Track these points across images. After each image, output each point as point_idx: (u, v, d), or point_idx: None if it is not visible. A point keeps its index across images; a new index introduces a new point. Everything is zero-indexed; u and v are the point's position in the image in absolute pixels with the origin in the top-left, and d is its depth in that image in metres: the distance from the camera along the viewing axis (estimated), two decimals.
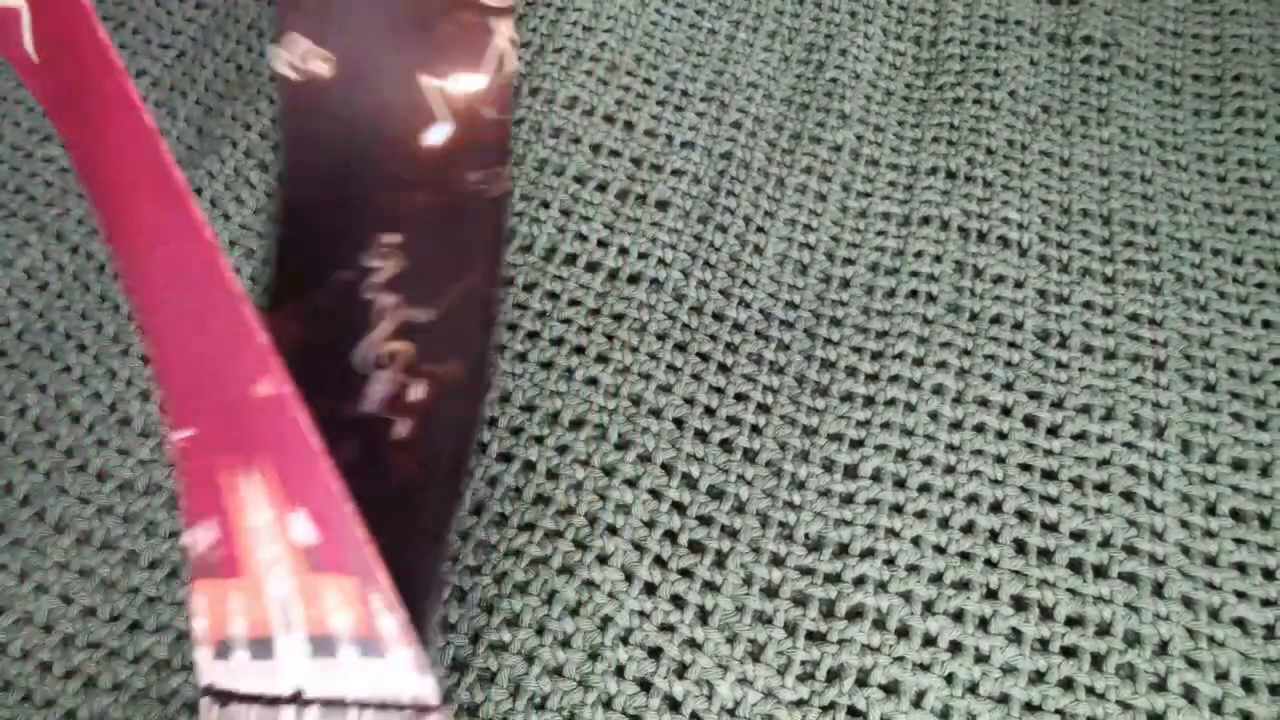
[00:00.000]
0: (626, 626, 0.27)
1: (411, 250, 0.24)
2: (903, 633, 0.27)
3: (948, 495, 0.30)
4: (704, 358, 0.32)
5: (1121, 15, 0.42)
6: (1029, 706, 0.26)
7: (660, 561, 0.28)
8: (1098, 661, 0.27)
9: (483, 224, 0.25)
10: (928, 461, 0.30)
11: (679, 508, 0.29)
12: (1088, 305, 0.34)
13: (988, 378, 0.32)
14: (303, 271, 0.24)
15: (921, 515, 0.29)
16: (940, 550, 0.29)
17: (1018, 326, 0.33)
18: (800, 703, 0.26)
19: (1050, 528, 0.29)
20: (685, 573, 0.28)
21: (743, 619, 0.27)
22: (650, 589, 0.28)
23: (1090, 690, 0.26)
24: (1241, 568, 0.29)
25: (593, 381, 0.31)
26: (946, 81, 0.40)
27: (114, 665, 0.27)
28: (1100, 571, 0.28)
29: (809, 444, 0.31)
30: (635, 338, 0.32)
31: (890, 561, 0.28)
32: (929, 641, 0.27)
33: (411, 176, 0.24)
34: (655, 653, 0.27)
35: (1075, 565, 0.29)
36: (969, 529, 0.29)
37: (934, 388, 0.32)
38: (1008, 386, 0.32)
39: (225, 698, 0.19)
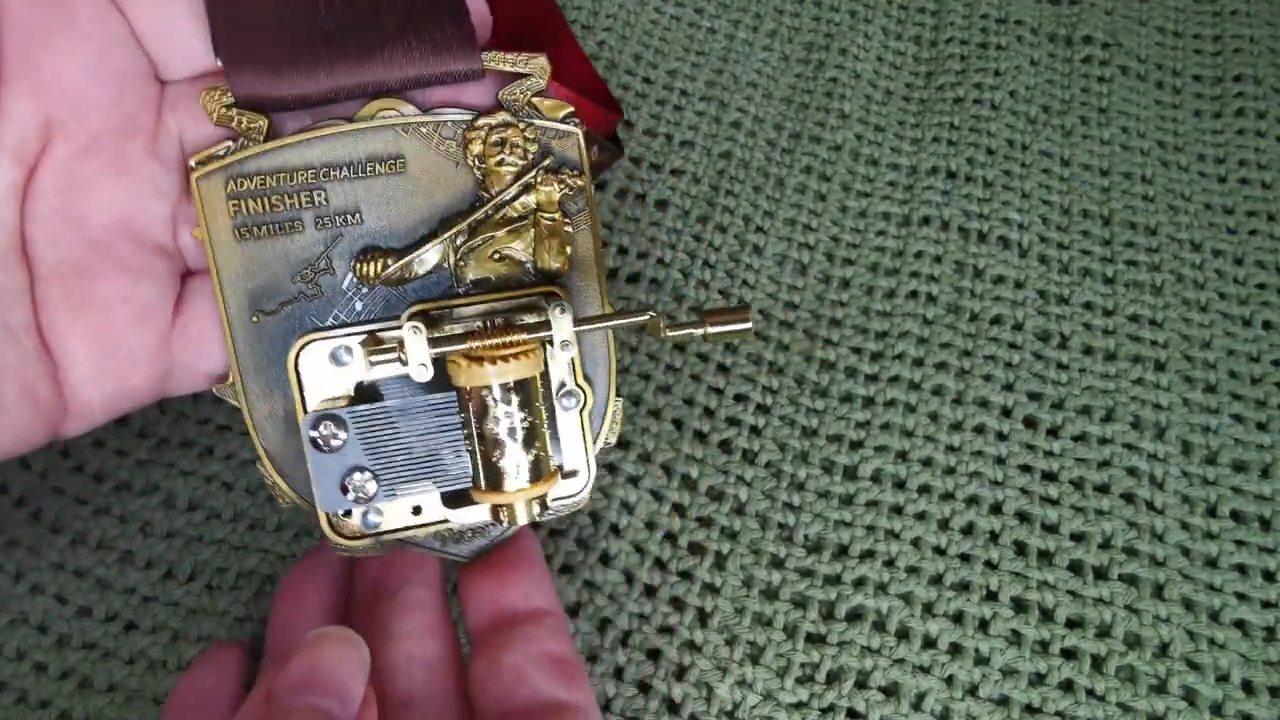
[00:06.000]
0: (625, 629, 0.27)
1: None
2: (902, 635, 0.27)
3: (948, 497, 0.30)
4: (702, 358, 0.32)
5: (1122, 15, 0.42)
6: (1029, 709, 0.26)
7: (660, 564, 0.28)
8: (1098, 664, 0.27)
9: None
10: (927, 463, 0.30)
11: (679, 509, 0.29)
12: (1088, 306, 0.34)
13: (988, 379, 0.32)
14: None
15: (921, 517, 0.29)
16: (940, 552, 0.29)
17: (1018, 327, 0.33)
18: (800, 705, 0.26)
19: (1050, 529, 0.29)
20: (685, 575, 0.28)
21: (742, 621, 0.27)
22: (650, 591, 0.28)
23: (1090, 692, 0.26)
24: (1242, 570, 0.29)
25: None
26: (946, 81, 0.40)
27: (109, 665, 0.26)
28: (1100, 573, 0.28)
29: (808, 445, 0.31)
30: (634, 338, 0.32)
31: (890, 563, 0.28)
32: (929, 643, 0.27)
33: None
34: (654, 655, 0.27)
35: (1075, 567, 0.28)
36: (969, 531, 0.29)
37: (934, 389, 0.32)
38: (1008, 387, 0.32)
39: None
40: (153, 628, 0.27)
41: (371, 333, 0.21)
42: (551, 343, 0.21)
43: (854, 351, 0.33)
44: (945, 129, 0.38)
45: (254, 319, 0.21)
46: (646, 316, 0.21)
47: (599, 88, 0.32)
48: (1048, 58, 0.41)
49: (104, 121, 0.21)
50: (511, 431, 0.20)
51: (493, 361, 0.20)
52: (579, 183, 0.22)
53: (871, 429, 0.31)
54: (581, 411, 0.22)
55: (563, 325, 0.20)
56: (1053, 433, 0.31)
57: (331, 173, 0.21)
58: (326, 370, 0.21)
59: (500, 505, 0.21)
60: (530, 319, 0.21)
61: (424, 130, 0.21)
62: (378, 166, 0.21)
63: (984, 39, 0.41)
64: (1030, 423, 0.31)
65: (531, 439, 0.21)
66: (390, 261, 0.21)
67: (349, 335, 0.21)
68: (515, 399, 0.20)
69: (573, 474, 0.22)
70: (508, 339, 0.20)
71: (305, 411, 0.21)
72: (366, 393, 0.21)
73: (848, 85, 0.39)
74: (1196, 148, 0.38)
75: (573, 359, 0.22)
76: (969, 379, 0.32)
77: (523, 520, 0.21)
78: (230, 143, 0.20)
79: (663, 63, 0.39)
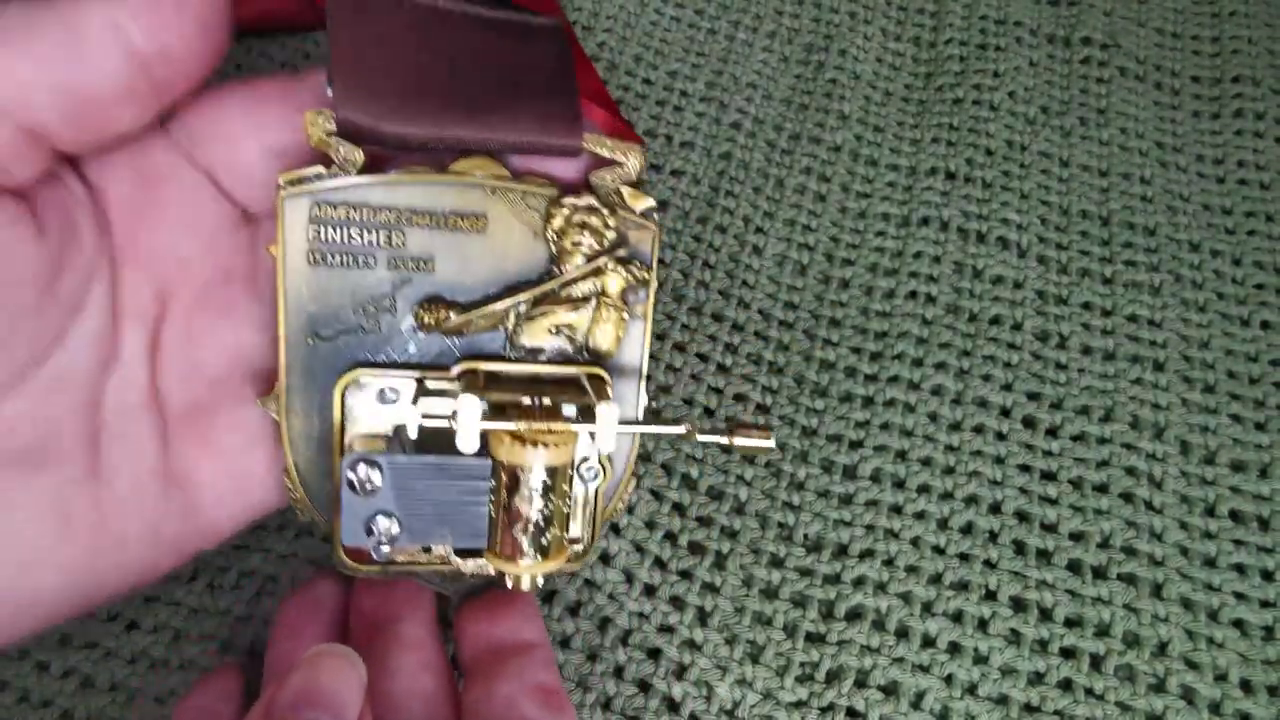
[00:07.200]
0: (625, 628, 0.27)
1: None
2: (902, 634, 0.27)
3: (947, 496, 0.30)
4: (703, 358, 0.32)
5: (1121, 16, 0.42)
6: (1028, 708, 0.26)
7: (660, 563, 0.28)
8: (1097, 663, 0.27)
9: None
10: (927, 462, 0.30)
11: (679, 509, 0.29)
12: (1087, 306, 0.34)
13: (987, 379, 0.32)
14: None
15: (920, 516, 0.29)
16: (939, 551, 0.29)
17: (1017, 327, 0.33)
18: (799, 704, 0.26)
19: (1049, 529, 0.29)
20: (685, 574, 0.28)
21: (742, 620, 0.27)
22: (650, 590, 0.28)
23: (1089, 691, 0.26)
24: (1240, 569, 0.29)
25: None
26: (946, 82, 0.40)
27: (111, 665, 0.27)
28: (1099, 573, 0.28)
29: (808, 445, 0.31)
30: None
31: (889, 562, 0.28)
32: (928, 643, 0.27)
33: None
34: (654, 654, 0.27)
35: (1074, 566, 0.29)
36: (968, 530, 0.29)
37: (933, 389, 0.32)
38: (1007, 387, 0.32)
39: None
40: (154, 627, 0.27)
41: (421, 380, 0.21)
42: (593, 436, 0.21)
43: (853, 351, 0.33)
44: (944, 130, 0.38)
45: (309, 340, 0.21)
46: (683, 430, 0.22)
47: (610, 105, 0.32)
48: (1046, 59, 0.41)
49: (204, 274, 0.22)
50: (535, 511, 0.21)
51: (535, 444, 0.20)
52: (645, 276, 0.22)
53: (871, 429, 0.31)
54: (598, 487, 0.23)
55: (607, 435, 0.21)
56: (1051, 432, 0.31)
57: (414, 218, 0.21)
58: (371, 405, 0.21)
59: (507, 573, 0.21)
60: (573, 408, 0.21)
61: (512, 195, 0.21)
62: (460, 221, 0.21)
63: (983, 40, 0.41)
64: (1029, 422, 0.31)
65: (551, 521, 0.21)
66: (454, 314, 0.21)
67: (399, 377, 0.21)
68: (547, 482, 0.21)
69: (575, 541, 0.23)
70: (553, 425, 0.20)
71: (342, 440, 0.21)
72: (403, 434, 0.22)
73: (847, 86, 0.40)
74: (1195, 148, 0.38)
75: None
76: (968, 379, 0.32)
77: (525, 589, 0.22)
78: (322, 168, 0.21)
79: (663, 64, 0.39)
